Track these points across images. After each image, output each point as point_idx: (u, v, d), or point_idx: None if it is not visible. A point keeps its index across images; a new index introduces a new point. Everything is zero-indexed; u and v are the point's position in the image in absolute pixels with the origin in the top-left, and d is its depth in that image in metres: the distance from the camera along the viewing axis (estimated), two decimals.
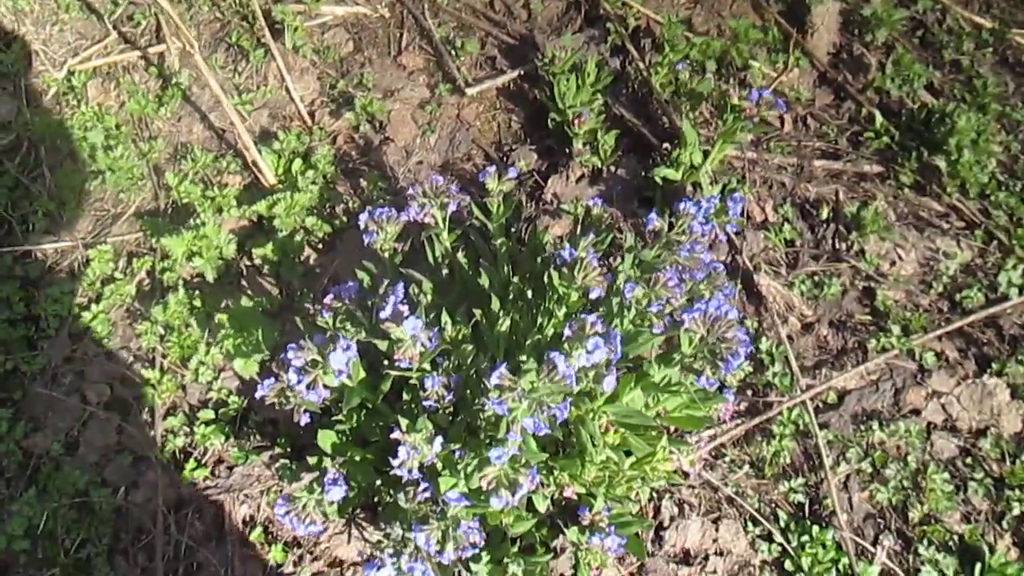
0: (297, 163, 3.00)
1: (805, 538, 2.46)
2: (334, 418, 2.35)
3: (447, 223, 2.35)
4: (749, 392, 2.69)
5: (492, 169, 2.36)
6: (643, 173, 2.97)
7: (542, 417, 1.81)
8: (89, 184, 3.07)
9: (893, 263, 2.90)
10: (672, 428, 2.39)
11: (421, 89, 3.25)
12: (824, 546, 2.45)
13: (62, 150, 3.12)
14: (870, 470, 2.58)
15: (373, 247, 2.30)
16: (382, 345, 2.07)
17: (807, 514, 2.54)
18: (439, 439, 1.94)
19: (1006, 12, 3.51)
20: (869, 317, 2.82)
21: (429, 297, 2.33)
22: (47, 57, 3.29)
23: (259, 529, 2.46)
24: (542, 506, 2.25)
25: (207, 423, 2.62)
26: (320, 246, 2.92)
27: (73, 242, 2.97)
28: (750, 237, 2.91)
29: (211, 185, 3.00)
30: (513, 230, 2.88)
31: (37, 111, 3.18)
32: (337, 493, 2.08)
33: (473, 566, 2.23)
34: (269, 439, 2.62)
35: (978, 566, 2.41)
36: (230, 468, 2.57)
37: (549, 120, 3.08)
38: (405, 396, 2.29)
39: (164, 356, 2.73)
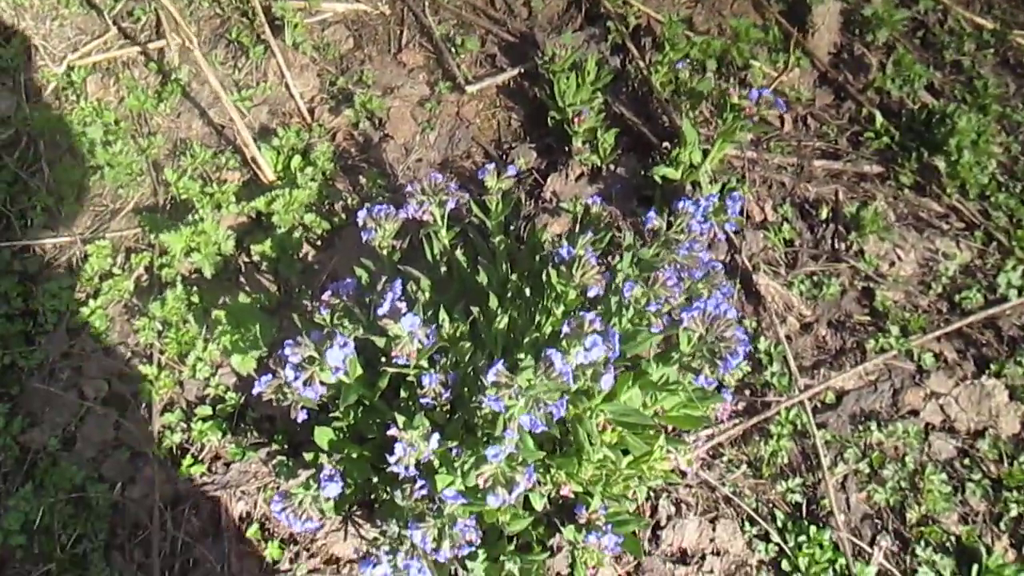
0: (296, 160, 3.00)
1: (802, 538, 2.46)
2: (331, 415, 2.34)
3: (446, 220, 2.35)
4: (747, 392, 2.69)
5: (491, 167, 2.35)
6: (642, 172, 2.97)
7: (539, 414, 1.81)
8: (88, 179, 3.06)
9: (892, 263, 2.90)
10: (670, 427, 2.39)
11: (421, 86, 3.24)
12: (821, 546, 2.45)
13: (61, 145, 3.12)
14: (868, 470, 2.58)
15: (371, 244, 2.30)
16: (380, 342, 2.07)
17: (804, 514, 2.54)
18: (436, 436, 1.94)
19: (1007, 13, 3.50)
20: (868, 317, 2.82)
21: (427, 294, 2.33)
22: (47, 52, 3.29)
23: (256, 526, 2.46)
24: (539, 504, 2.24)
25: (204, 419, 2.62)
26: (319, 243, 2.92)
27: (71, 237, 2.96)
28: (749, 237, 2.90)
29: (210, 181, 2.99)
30: (512, 228, 2.88)
31: (36, 106, 3.18)
32: (333, 490, 2.08)
33: (469, 564, 2.23)
34: (266, 436, 2.62)
35: (975, 567, 2.41)
36: (227, 464, 2.57)
37: (549, 118, 3.08)
38: (402, 393, 2.29)
39: (162, 352, 2.73)
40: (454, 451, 2.04)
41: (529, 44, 3.31)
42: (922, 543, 2.48)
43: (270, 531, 2.48)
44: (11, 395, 2.72)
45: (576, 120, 2.94)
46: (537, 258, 2.49)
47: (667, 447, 2.23)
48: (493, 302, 2.28)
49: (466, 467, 1.98)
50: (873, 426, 2.61)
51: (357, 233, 2.33)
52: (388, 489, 2.30)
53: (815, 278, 2.86)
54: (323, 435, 2.31)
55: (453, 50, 3.31)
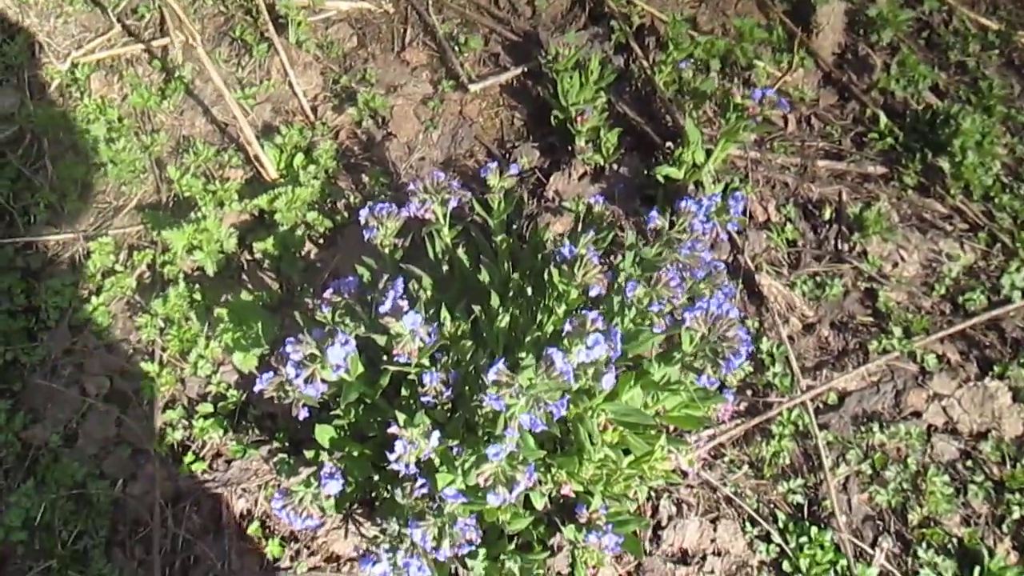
0: (299, 158, 3.00)
1: (803, 539, 2.46)
2: (332, 413, 2.34)
3: (448, 219, 2.35)
4: (749, 392, 2.69)
5: (493, 165, 2.35)
6: (645, 171, 2.96)
7: (539, 414, 1.81)
8: (91, 176, 3.07)
9: (895, 264, 2.89)
10: (671, 427, 2.39)
11: (424, 85, 3.24)
12: (822, 547, 2.44)
13: (64, 142, 3.12)
14: (870, 472, 2.57)
15: (373, 242, 2.30)
16: (381, 340, 2.07)
17: (806, 515, 2.53)
18: (436, 434, 1.93)
19: (1013, 14, 3.49)
20: (871, 318, 2.82)
21: (429, 293, 2.33)
22: (51, 49, 3.29)
23: (256, 523, 2.46)
24: (539, 503, 2.24)
25: (206, 417, 2.62)
26: (321, 241, 2.92)
27: (74, 234, 2.97)
28: (752, 237, 2.90)
29: (213, 179, 3.00)
30: (514, 227, 2.88)
31: (40, 103, 3.18)
32: (334, 488, 2.08)
33: (470, 563, 2.23)
34: (267, 433, 2.62)
35: (977, 569, 2.40)
36: (228, 462, 2.57)
37: (552, 117, 3.08)
38: (403, 392, 2.29)
39: (164, 349, 2.73)
40: (455, 449, 2.04)
41: (533, 43, 3.31)
42: (924, 545, 2.47)
43: (271, 529, 2.48)
44: (13, 391, 2.72)
45: (579, 119, 2.94)
46: (539, 257, 2.48)
47: (668, 447, 2.23)
48: (495, 301, 2.28)
49: (467, 466, 1.98)
50: (875, 427, 2.61)
51: (359, 231, 2.33)
52: (389, 487, 2.30)
53: (818, 278, 2.85)
54: (324, 433, 2.31)
55: (457, 49, 3.31)
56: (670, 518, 2.49)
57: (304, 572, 2.40)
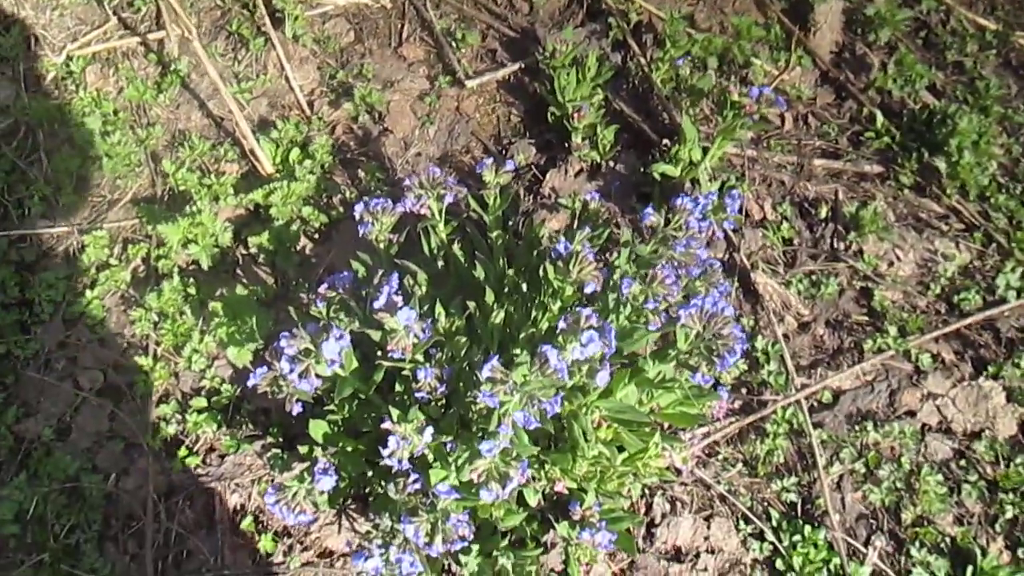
0: (295, 152, 2.99)
1: (797, 537, 2.46)
2: (326, 408, 2.34)
3: (443, 215, 2.35)
4: (744, 390, 2.69)
5: (489, 161, 2.35)
6: (642, 169, 2.96)
7: (533, 411, 1.80)
8: (86, 170, 3.06)
9: (891, 264, 2.89)
10: (665, 424, 2.39)
11: (421, 81, 3.24)
12: (816, 546, 2.44)
13: (60, 135, 3.11)
14: (863, 470, 2.58)
15: (369, 238, 2.29)
16: (375, 335, 2.06)
17: (799, 513, 2.53)
18: (429, 430, 1.93)
19: (1010, 14, 3.49)
20: (866, 317, 2.82)
21: (424, 288, 2.32)
22: (46, 42, 3.28)
23: (249, 518, 2.46)
24: (533, 500, 2.24)
25: (199, 411, 2.61)
26: (316, 236, 2.91)
27: (69, 227, 2.96)
28: (748, 235, 2.90)
29: (208, 173, 2.99)
30: (510, 223, 2.87)
31: (35, 96, 3.17)
32: (327, 483, 2.07)
33: (463, 559, 2.23)
34: (261, 428, 2.62)
35: (970, 569, 2.41)
36: (222, 456, 2.56)
37: (549, 114, 3.07)
38: (398, 387, 2.29)
39: (158, 343, 2.73)
40: (448, 445, 2.04)
41: (530, 39, 3.30)
42: (917, 544, 2.47)
43: (264, 524, 2.47)
44: (6, 384, 2.72)
45: (576, 116, 2.93)
46: (534, 253, 2.48)
47: (662, 444, 2.23)
48: (490, 297, 2.27)
49: (460, 461, 1.98)
50: (869, 426, 2.61)
51: (355, 226, 2.32)
52: (382, 483, 2.30)
53: (813, 277, 2.85)
54: (318, 428, 2.31)
55: (454, 44, 3.31)
56: (664, 516, 2.49)
57: (297, 567, 2.39)
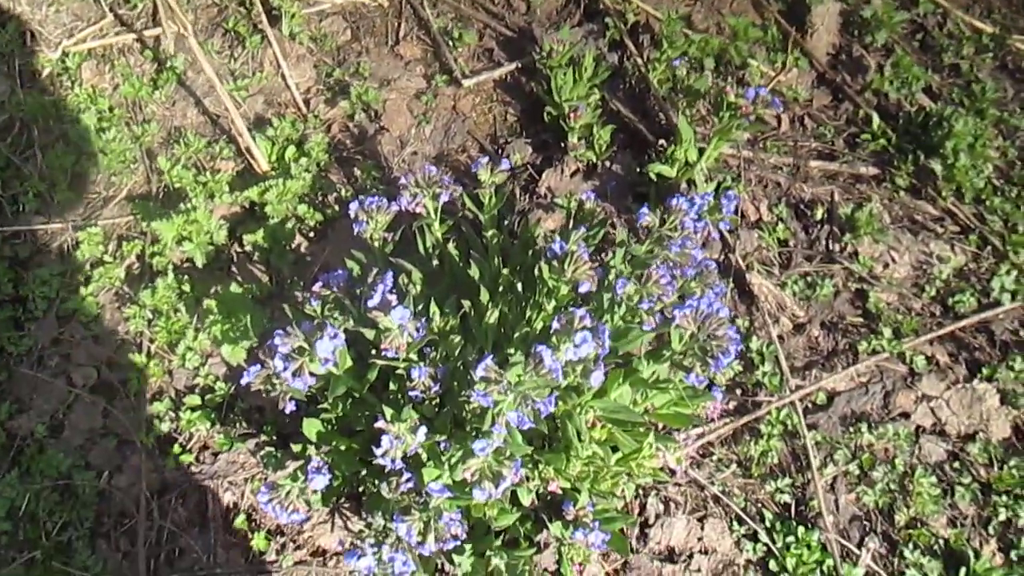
0: (291, 150, 2.98)
1: (790, 539, 2.46)
2: (320, 407, 2.34)
3: (439, 214, 2.34)
4: (738, 391, 2.69)
5: (485, 160, 2.34)
6: (638, 169, 2.96)
7: (527, 411, 1.80)
8: (81, 166, 3.05)
9: (886, 265, 2.90)
10: (660, 425, 2.38)
11: (417, 79, 3.23)
12: (809, 547, 2.44)
13: (54, 131, 3.10)
14: (857, 472, 2.58)
15: (364, 236, 2.29)
16: (370, 334, 2.06)
17: (793, 515, 2.53)
18: (423, 429, 1.93)
19: (1007, 17, 3.49)
20: (861, 319, 2.82)
21: (418, 287, 2.32)
22: (42, 38, 3.27)
23: (243, 516, 2.45)
24: (526, 500, 2.24)
25: (193, 409, 2.61)
26: (311, 234, 2.91)
27: (63, 224, 2.95)
28: (743, 236, 2.90)
29: (203, 170, 2.98)
30: (505, 222, 2.87)
31: (31, 92, 3.16)
32: (320, 482, 2.07)
33: (456, 558, 2.22)
34: (255, 426, 2.61)
35: (963, 570, 2.41)
36: (215, 454, 2.56)
37: (545, 114, 3.07)
38: (392, 386, 2.28)
39: (152, 341, 2.72)
40: (442, 445, 2.04)
41: (527, 39, 3.30)
42: (910, 545, 2.47)
43: (257, 522, 2.47)
44: None
45: (572, 116, 2.93)
46: (530, 253, 2.48)
47: (656, 445, 2.23)
48: (484, 296, 2.27)
49: (453, 461, 1.98)
50: (864, 428, 2.61)
51: (350, 225, 2.32)
52: (375, 482, 2.30)
53: (809, 279, 2.85)
54: (311, 427, 2.30)
55: (451, 43, 3.30)
56: (657, 516, 2.49)
57: (290, 566, 2.39)
